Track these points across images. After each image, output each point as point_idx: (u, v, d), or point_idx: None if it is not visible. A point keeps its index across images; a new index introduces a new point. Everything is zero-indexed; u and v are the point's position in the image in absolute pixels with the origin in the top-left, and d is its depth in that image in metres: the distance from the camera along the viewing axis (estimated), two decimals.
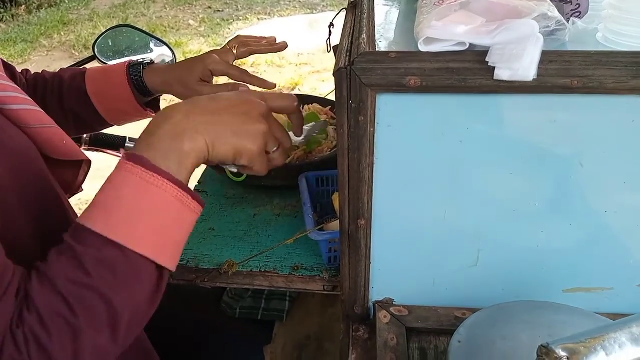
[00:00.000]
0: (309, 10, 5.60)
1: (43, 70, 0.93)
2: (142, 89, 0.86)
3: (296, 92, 3.54)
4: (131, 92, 0.84)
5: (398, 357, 0.61)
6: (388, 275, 0.68)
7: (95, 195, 0.51)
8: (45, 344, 0.46)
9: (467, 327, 0.55)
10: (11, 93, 0.59)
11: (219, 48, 0.94)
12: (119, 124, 0.93)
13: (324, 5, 5.73)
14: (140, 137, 0.54)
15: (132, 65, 0.86)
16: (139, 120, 0.91)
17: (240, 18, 5.43)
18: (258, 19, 5.41)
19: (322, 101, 1.17)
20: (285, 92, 3.35)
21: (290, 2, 5.93)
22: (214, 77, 0.88)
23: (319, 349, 1.02)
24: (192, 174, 0.54)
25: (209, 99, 0.57)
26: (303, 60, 4.25)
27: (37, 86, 0.87)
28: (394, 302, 0.70)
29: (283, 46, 0.90)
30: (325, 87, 3.71)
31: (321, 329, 1.05)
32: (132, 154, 0.51)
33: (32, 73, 0.91)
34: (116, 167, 0.51)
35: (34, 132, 0.60)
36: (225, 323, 1.04)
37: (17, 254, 0.50)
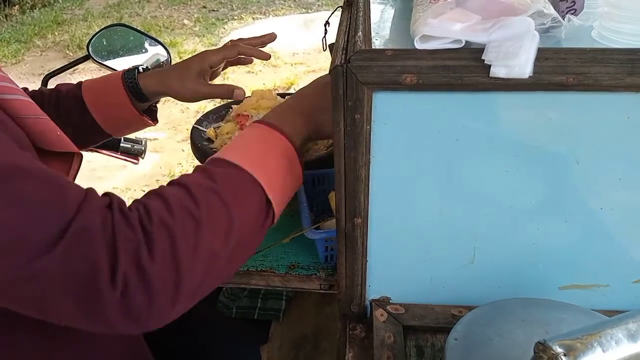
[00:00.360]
0: (304, 10, 5.59)
1: (40, 87, 0.92)
2: (137, 92, 0.85)
3: (291, 91, 3.54)
4: (127, 95, 0.84)
5: (395, 355, 0.61)
6: (384, 273, 0.68)
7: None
8: (169, 225, 0.50)
9: (464, 325, 0.55)
10: (2, 83, 0.58)
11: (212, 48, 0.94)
12: (117, 134, 0.92)
13: (319, 5, 5.73)
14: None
15: (127, 70, 0.86)
16: (137, 129, 0.90)
17: (235, 17, 5.42)
18: (253, 18, 5.40)
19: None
20: (281, 91, 3.35)
21: (285, 1, 5.92)
22: (213, 77, 0.90)
23: (316, 348, 1.02)
24: (302, 147, 0.67)
25: (312, 86, 0.72)
26: (298, 60, 4.25)
27: (35, 100, 0.87)
28: (390, 301, 0.70)
29: (272, 37, 0.93)
30: None
31: (318, 328, 1.05)
32: (259, 119, 0.66)
33: (30, 90, 0.90)
34: (246, 129, 0.66)
35: (28, 122, 0.58)
36: (222, 323, 1.03)
37: None
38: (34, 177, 0.47)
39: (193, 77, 0.85)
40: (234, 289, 1.06)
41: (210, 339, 0.97)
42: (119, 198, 0.52)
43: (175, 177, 0.58)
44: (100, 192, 0.52)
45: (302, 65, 4.15)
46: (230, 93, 0.87)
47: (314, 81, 0.74)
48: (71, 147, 0.62)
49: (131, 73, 0.85)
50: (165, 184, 0.57)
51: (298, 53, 4.38)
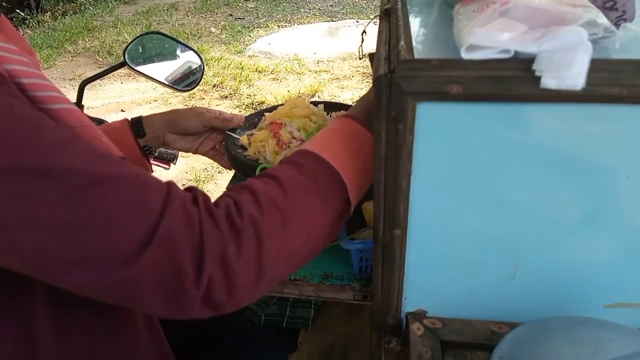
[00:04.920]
0: (328, 18, 5.62)
1: None
2: (138, 126, 0.90)
3: (315, 99, 3.54)
4: (130, 133, 0.88)
5: None
6: (422, 286, 0.67)
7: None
8: (258, 222, 0.51)
9: (508, 343, 0.54)
10: (52, 92, 0.58)
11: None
12: None
13: (343, 13, 5.75)
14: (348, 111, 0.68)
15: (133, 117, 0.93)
16: None
17: (261, 26, 5.48)
18: (278, 26, 5.45)
19: (349, 109, 1.16)
20: (305, 98, 3.34)
21: (310, 9, 5.96)
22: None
23: (345, 358, 1.01)
24: None
25: None
26: (322, 68, 4.26)
27: None
28: (427, 314, 0.68)
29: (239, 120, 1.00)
30: (345, 94, 3.70)
31: (347, 338, 1.04)
32: (346, 113, 0.66)
33: None
34: (334, 122, 0.66)
35: (76, 131, 0.58)
36: (250, 330, 1.03)
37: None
38: (121, 182, 0.47)
39: (196, 110, 0.94)
40: (263, 296, 1.05)
41: (239, 346, 0.97)
42: (203, 193, 0.52)
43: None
44: None
45: (326, 72, 4.17)
46: (230, 121, 0.96)
47: None
48: (116, 152, 0.63)
49: (137, 117, 0.92)
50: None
51: (322, 60, 4.40)
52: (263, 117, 1.03)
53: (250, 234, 0.50)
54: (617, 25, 0.56)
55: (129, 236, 0.45)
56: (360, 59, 0.85)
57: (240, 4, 6.24)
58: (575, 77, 0.48)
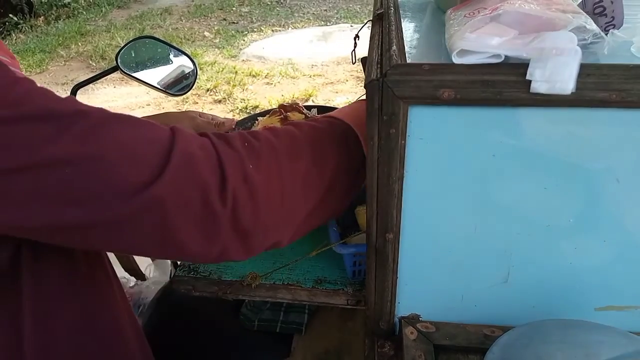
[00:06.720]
0: (322, 22, 5.64)
1: None
2: None
3: (310, 103, 3.54)
4: None
5: None
6: (415, 290, 0.67)
7: None
8: (275, 144, 0.55)
9: (501, 346, 0.54)
10: None
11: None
12: None
13: (337, 18, 5.77)
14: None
15: None
16: None
17: (255, 30, 5.48)
18: (272, 30, 5.46)
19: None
20: (300, 102, 3.34)
21: (304, 14, 5.98)
22: None
23: None
24: None
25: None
26: (317, 72, 4.27)
27: None
28: (420, 318, 0.68)
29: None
30: (339, 98, 3.71)
31: (340, 343, 1.04)
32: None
33: None
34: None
35: None
36: (244, 335, 1.03)
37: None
38: (128, 121, 0.49)
39: (188, 114, 0.97)
40: (257, 301, 1.05)
41: (233, 352, 0.96)
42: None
43: None
44: None
45: (320, 77, 4.17)
46: (222, 125, 0.98)
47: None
48: None
49: None
50: None
51: (317, 65, 4.40)
52: (256, 122, 1.03)
53: (268, 152, 0.53)
54: (606, 31, 0.57)
55: (147, 161, 0.47)
56: (353, 63, 0.85)
57: (234, 9, 6.25)
58: (566, 82, 0.48)
